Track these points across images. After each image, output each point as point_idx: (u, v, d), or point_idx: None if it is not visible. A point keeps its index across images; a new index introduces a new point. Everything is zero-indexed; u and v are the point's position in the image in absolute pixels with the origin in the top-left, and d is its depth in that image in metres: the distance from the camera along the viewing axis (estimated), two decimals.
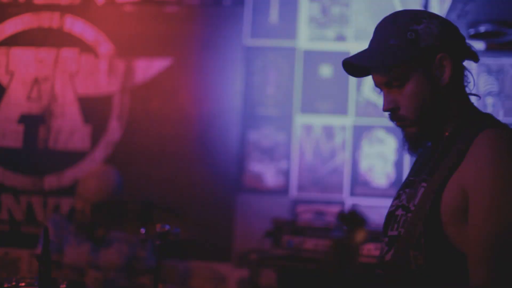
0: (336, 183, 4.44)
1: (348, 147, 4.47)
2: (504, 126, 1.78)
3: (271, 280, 3.48)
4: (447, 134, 1.84)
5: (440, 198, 1.70)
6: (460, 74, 1.88)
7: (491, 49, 4.29)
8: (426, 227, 1.70)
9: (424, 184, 1.78)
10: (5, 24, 4.86)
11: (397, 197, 1.92)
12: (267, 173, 4.52)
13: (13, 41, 4.84)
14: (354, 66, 1.92)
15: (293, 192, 4.48)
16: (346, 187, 4.44)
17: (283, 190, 4.50)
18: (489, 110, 4.24)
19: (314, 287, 3.38)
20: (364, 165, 4.44)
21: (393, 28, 1.83)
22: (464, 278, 1.66)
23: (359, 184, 4.41)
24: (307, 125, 4.52)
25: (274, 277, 3.44)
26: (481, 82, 4.28)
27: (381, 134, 4.45)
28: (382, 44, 1.84)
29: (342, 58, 1.88)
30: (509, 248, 1.60)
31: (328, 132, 4.49)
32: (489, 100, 4.26)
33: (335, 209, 4.38)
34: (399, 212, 1.85)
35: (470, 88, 1.90)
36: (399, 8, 4.10)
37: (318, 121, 4.50)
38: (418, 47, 1.80)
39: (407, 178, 1.95)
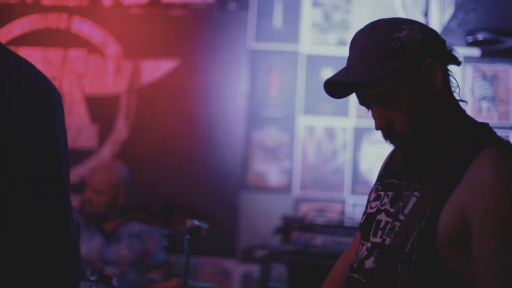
0: (337, 182, 4.59)
1: (349, 148, 4.61)
2: (506, 143, 1.68)
3: (282, 275, 3.64)
4: (441, 141, 1.71)
5: (438, 219, 1.59)
6: (448, 80, 1.74)
7: (486, 56, 4.48)
8: (420, 244, 1.60)
9: (416, 193, 1.67)
10: (13, 24, 4.95)
11: (377, 198, 1.80)
12: (271, 172, 4.66)
13: (20, 41, 4.92)
14: (337, 85, 1.76)
15: (296, 190, 4.63)
16: (347, 186, 4.59)
17: (286, 188, 4.65)
18: (484, 114, 4.44)
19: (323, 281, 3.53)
20: (364, 165, 4.60)
21: (373, 39, 1.68)
22: None
23: (359, 183, 4.56)
24: (310, 126, 4.66)
25: (285, 271, 3.60)
26: (476, 87, 4.47)
27: (380, 135, 4.59)
28: (365, 57, 1.68)
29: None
30: None
31: (330, 133, 4.64)
32: (484, 104, 4.45)
33: (336, 207, 4.55)
34: (383, 217, 1.73)
35: (457, 93, 1.77)
36: (401, 14, 4.27)
37: (320, 122, 4.65)
38: (405, 55, 1.65)
39: (388, 180, 1.82)
